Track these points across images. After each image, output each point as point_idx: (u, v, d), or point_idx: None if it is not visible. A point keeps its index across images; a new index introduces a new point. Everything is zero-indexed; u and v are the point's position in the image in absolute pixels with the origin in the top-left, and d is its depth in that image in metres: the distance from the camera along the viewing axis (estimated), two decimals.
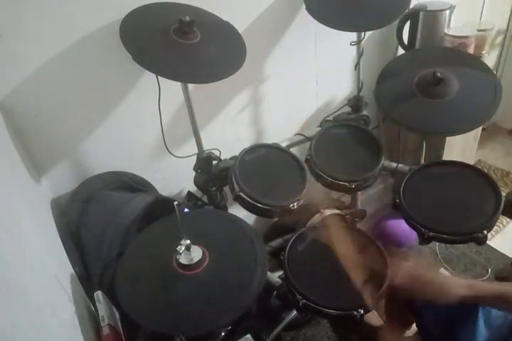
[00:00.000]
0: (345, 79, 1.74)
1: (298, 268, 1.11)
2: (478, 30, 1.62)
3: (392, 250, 0.94)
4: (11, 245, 0.62)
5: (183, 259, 0.92)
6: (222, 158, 1.36)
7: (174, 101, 1.32)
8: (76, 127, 1.21)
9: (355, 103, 1.58)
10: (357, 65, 1.50)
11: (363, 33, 1.43)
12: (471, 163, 2.13)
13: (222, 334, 1.08)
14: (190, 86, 1.17)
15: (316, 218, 1.61)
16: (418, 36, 1.63)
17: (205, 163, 1.31)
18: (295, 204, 1.22)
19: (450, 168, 1.35)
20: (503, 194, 1.25)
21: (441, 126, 1.31)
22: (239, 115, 1.53)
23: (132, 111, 1.28)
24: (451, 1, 1.59)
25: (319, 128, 1.52)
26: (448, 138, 1.79)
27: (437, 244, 1.96)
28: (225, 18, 1.22)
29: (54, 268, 0.89)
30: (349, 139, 1.43)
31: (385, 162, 1.41)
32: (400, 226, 1.87)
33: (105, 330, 0.89)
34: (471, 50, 1.58)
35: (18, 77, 1.06)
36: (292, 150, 1.42)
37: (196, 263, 0.92)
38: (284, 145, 1.43)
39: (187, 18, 1.05)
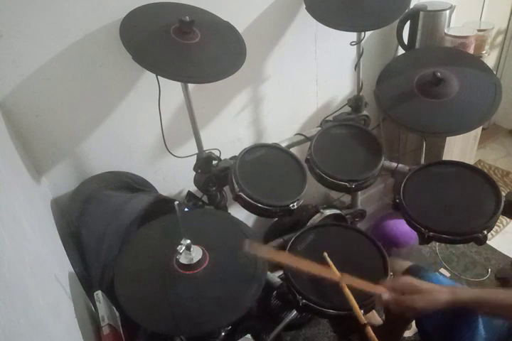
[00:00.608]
0: (345, 79, 1.74)
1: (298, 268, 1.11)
2: (478, 30, 1.62)
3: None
4: (10, 245, 0.62)
5: (183, 259, 0.92)
6: (222, 158, 1.36)
7: (174, 101, 1.32)
8: (76, 127, 1.21)
9: (355, 103, 1.58)
10: (357, 65, 1.50)
11: (363, 33, 1.43)
12: (471, 163, 2.14)
13: (222, 334, 1.08)
14: (190, 86, 1.17)
15: (316, 218, 1.61)
16: (418, 36, 1.63)
17: (205, 163, 1.31)
18: (295, 204, 1.22)
19: (450, 168, 1.35)
20: (503, 194, 1.25)
21: (441, 126, 1.31)
22: (239, 115, 1.53)
23: (132, 111, 1.28)
24: (451, 1, 1.59)
25: (319, 128, 1.52)
26: (448, 138, 1.79)
27: (437, 244, 1.96)
28: (225, 18, 1.22)
29: (54, 268, 0.89)
30: (349, 139, 1.43)
31: (385, 162, 1.41)
32: (400, 226, 1.87)
33: (105, 330, 0.89)
34: (471, 50, 1.58)
35: (18, 77, 1.06)
36: (292, 150, 1.42)
37: (196, 263, 0.92)
38: (284, 145, 1.43)
39: (187, 18, 1.05)
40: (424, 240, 1.23)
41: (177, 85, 1.14)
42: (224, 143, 1.47)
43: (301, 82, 1.62)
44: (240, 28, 1.25)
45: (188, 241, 0.91)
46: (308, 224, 1.56)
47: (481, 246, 1.25)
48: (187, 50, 1.08)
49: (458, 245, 1.95)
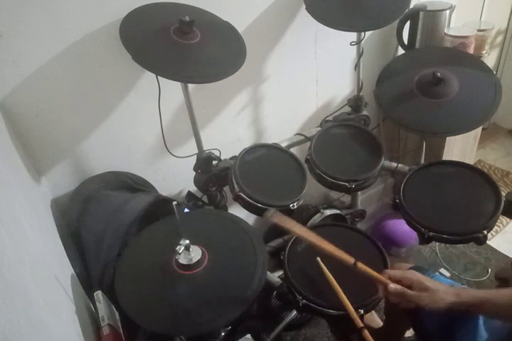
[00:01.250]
0: (345, 79, 1.74)
1: (298, 268, 1.11)
2: (478, 30, 1.62)
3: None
4: (10, 245, 0.62)
5: (183, 259, 0.92)
6: (222, 158, 1.36)
7: (174, 101, 1.32)
8: (76, 127, 1.21)
9: (355, 103, 1.58)
10: (357, 65, 1.50)
11: (363, 33, 1.43)
12: (471, 163, 2.14)
13: (222, 334, 1.08)
14: (190, 86, 1.17)
15: (316, 218, 1.61)
16: (418, 36, 1.63)
17: (205, 163, 1.31)
18: (295, 204, 1.22)
19: (450, 168, 1.35)
20: (503, 194, 1.25)
21: (441, 126, 1.31)
22: (239, 115, 1.53)
23: (132, 111, 1.28)
24: (451, 1, 1.59)
25: (319, 128, 1.52)
26: (448, 138, 1.79)
27: (437, 244, 1.96)
28: (225, 18, 1.22)
29: (54, 268, 0.89)
30: (349, 139, 1.43)
31: (385, 162, 1.41)
32: (400, 226, 1.87)
33: (105, 330, 0.89)
34: (471, 50, 1.58)
35: (18, 77, 1.06)
36: (292, 150, 1.42)
37: (195, 263, 0.92)
38: (284, 145, 1.43)
39: (187, 18, 1.05)
40: (424, 240, 1.23)
41: (177, 85, 1.14)
42: (224, 143, 1.47)
43: (301, 82, 1.62)
44: (240, 28, 1.25)
45: (187, 242, 0.91)
46: (309, 224, 1.56)
47: (481, 246, 1.25)
48: (187, 50, 1.08)
49: (458, 245, 1.95)
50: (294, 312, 1.42)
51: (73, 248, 1.11)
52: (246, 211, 1.23)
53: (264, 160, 1.30)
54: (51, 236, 1.03)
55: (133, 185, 1.29)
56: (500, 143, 2.60)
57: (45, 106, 1.13)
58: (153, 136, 1.35)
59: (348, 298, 0.97)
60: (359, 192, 1.75)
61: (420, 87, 1.34)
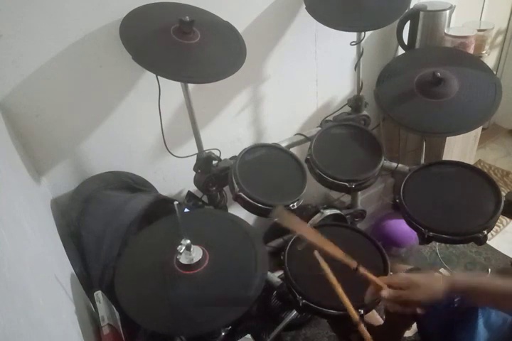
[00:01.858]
0: (345, 79, 1.74)
1: (298, 268, 1.11)
2: (478, 30, 1.62)
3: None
4: (10, 245, 0.62)
5: (184, 259, 0.92)
6: (222, 158, 1.36)
7: (174, 101, 1.32)
8: (76, 127, 1.21)
9: (355, 103, 1.58)
10: (357, 65, 1.50)
11: (363, 33, 1.43)
12: (471, 163, 2.14)
13: (222, 334, 1.08)
14: (190, 86, 1.17)
15: (316, 218, 1.61)
16: (418, 36, 1.63)
17: (205, 163, 1.31)
18: (295, 204, 1.22)
19: (450, 168, 1.35)
20: (503, 194, 1.25)
21: (441, 126, 1.31)
22: (239, 115, 1.53)
23: (132, 111, 1.28)
24: (451, 1, 1.59)
25: (319, 128, 1.52)
26: (448, 138, 1.79)
27: (437, 244, 1.96)
28: (225, 18, 1.22)
29: (54, 268, 0.89)
30: (349, 139, 1.43)
31: (385, 162, 1.41)
32: (400, 226, 1.87)
33: (105, 330, 0.89)
34: (471, 50, 1.58)
35: (18, 77, 1.06)
36: (292, 150, 1.42)
37: (196, 263, 0.92)
38: (284, 145, 1.43)
39: (187, 18, 1.05)
40: (424, 240, 1.23)
41: (177, 85, 1.14)
42: (224, 143, 1.47)
43: (301, 82, 1.62)
44: (240, 28, 1.25)
45: (188, 241, 0.91)
46: (309, 224, 1.56)
47: (481, 246, 1.25)
48: (187, 50, 1.08)
49: (458, 245, 1.95)
50: (294, 312, 1.42)
51: (73, 248, 1.11)
52: (246, 211, 1.23)
53: (264, 160, 1.30)
54: (51, 236, 1.03)
55: (133, 185, 1.29)
56: (500, 143, 2.60)
57: (45, 106, 1.13)
58: (153, 136, 1.34)
59: (348, 298, 0.97)
60: (359, 192, 1.75)
61: (420, 87, 1.34)
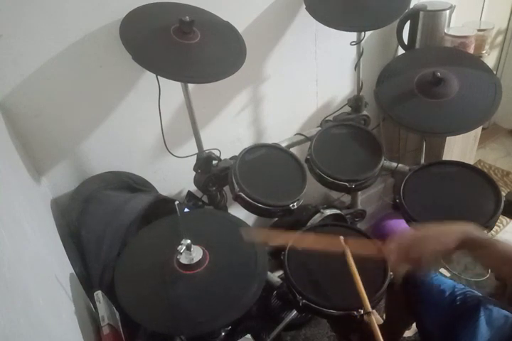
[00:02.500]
0: (345, 79, 1.74)
1: (298, 268, 1.11)
2: (478, 30, 1.62)
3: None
4: (10, 245, 0.62)
5: (184, 259, 0.92)
6: (222, 158, 1.36)
7: (174, 101, 1.32)
8: (76, 127, 1.21)
9: (355, 103, 1.58)
10: (357, 65, 1.50)
11: (363, 33, 1.43)
12: (471, 163, 2.14)
13: (222, 334, 1.08)
14: (190, 86, 1.17)
15: (316, 218, 1.61)
16: (418, 36, 1.63)
17: (205, 163, 1.31)
18: (295, 204, 1.22)
19: (450, 168, 1.35)
20: (503, 194, 1.25)
21: (441, 126, 1.31)
22: (239, 115, 1.53)
23: (132, 111, 1.28)
24: (451, 1, 1.59)
25: (319, 128, 1.52)
26: (448, 138, 1.79)
27: None
28: (225, 18, 1.22)
29: (54, 268, 0.89)
30: (349, 139, 1.43)
31: (385, 162, 1.41)
32: (400, 226, 1.87)
33: (105, 330, 0.89)
34: (471, 50, 1.58)
35: (18, 77, 1.06)
36: (292, 150, 1.42)
37: (196, 263, 0.92)
38: (284, 145, 1.43)
39: (187, 18, 1.05)
40: None
41: (177, 85, 1.14)
42: (224, 143, 1.47)
43: (301, 82, 1.62)
44: (240, 28, 1.25)
45: (189, 241, 0.91)
46: (309, 224, 1.56)
47: None
48: (187, 50, 1.08)
49: None
50: (294, 312, 1.42)
51: (73, 248, 1.11)
52: (246, 211, 1.23)
53: (264, 160, 1.30)
54: (51, 236, 1.03)
55: (133, 185, 1.29)
56: (500, 143, 2.60)
57: (45, 106, 1.13)
58: (153, 136, 1.34)
59: (348, 298, 0.97)
60: (359, 192, 1.75)
61: (420, 87, 1.34)
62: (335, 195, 1.92)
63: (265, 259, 0.99)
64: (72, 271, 1.04)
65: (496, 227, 1.97)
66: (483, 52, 1.69)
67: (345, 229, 1.27)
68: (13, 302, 0.54)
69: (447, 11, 1.57)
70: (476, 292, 1.07)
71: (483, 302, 1.00)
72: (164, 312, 0.89)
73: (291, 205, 1.21)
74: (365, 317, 0.90)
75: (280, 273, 1.39)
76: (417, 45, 1.65)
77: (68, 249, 1.08)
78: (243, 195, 1.18)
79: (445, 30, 1.59)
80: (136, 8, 1.10)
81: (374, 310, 1.51)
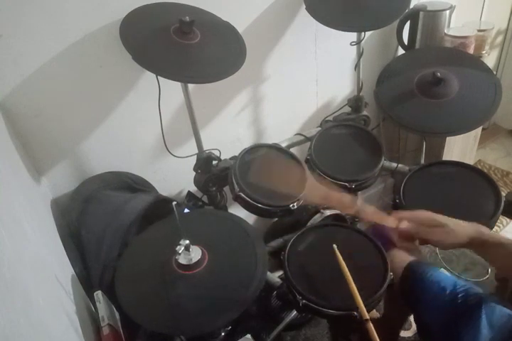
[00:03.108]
0: (345, 79, 1.74)
1: (298, 268, 1.11)
2: (478, 30, 1.62)
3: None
4: (10, 245, 0.62)
5: (182, 259, 0.92)
6: (222, 158, 1.36)
7: (174, 101, 1.32)
8: (76, 127, 1.21)
9: (355, 103, 1.58)
10: (357, 65, 1.50)
11: (363, 33, 1.43)
12: (471, 163, 2.14)
13: (222, 334, 1.08)
14: (190, 86, 1.17)
15: (316, 218, 1.61)
16: (418, 36, 1.63)
17: (205, 163, 1.31)
18: (295, 204, 1.22)
19: (450, 168, 1.35)
20: (503, 194, 1.25)
21: (441, 126, 1.31)
22: (239, 115, 1.53)
23: (132, 111, 1.28)
24: (451, 1, 1.59)
25: (319, 128, 1.52)
26: (448, 138, 1.79)
27: None
28: (225, 18, 1.22)
29: (54, 268, 0.89)
30: (349, 139, 1.43)
31: (385, 162, 1.41)
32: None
33: (105, 330, 0.89)
34: (471, 50, 1.58)
35: (18, 77, 1.06)
36: (292, 150, 1.42)
37: (195, 263, 0.92)
38: (284, 145, 1.43)
39: (187, 18, 1.05)
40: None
41: (177, 85, 1.14)
42: (224, 143, 1.47)
43: (301, 82, 1.62)
44: (240, 28, 1.25)
45: (187, 242, 0.91)
46: (309, 224, 1.56)
47: None
48: (187, 50, 1.08)
49: None
50: (294, 312, 1.42)
51: (73, 248, 1.11)
52: (246, 211, 1.23)
53: (264, 160, 1.30)
54: (51, 236, 1.03)
55: (133, 185, 1.29)
56: (500, 143, 2.60)
57: (45, 106, 1.13)
58: (153, 136, 1.34)
59: (348, 298, 0.97)
60: (359, 192, 1.75)
61: (420, 87, 1.34)
62: None
63: (265, 259, 0.99)
64: (72, 271, 1.04)
65: (496, 227, 1.97)
66: (483, 52, 1.69)
67: (345, 229, 1.27)
68: (13, 302, 0.54)
69: (447, 11, 1.57)
70: (478, 289, 1.06)
71: (486, 300, 0.99)
72: (164, 312, 0.89)
73: (291, 205, 1.21)
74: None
75: (280, 273, 1.39)
76: (417, 46, 1.65)
77: (68, 249, 1.08)
78: (243, 195, 1.18)
79: (445, 31, 1.59)
80: (136, 8, 1.10)
81: (374, 310, 1.52)
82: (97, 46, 1.13)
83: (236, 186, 1.19)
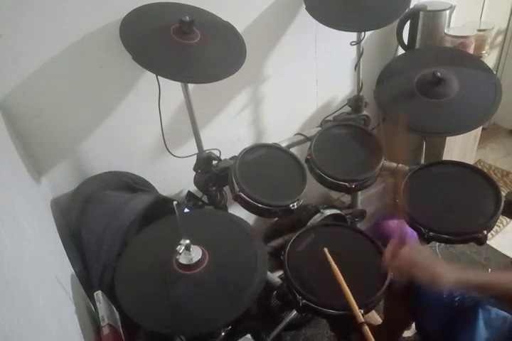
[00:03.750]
0: (345, 79, 1.74)
1: (298, 268, 1.11)
2: (478, 30, 1.62)
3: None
4: (10, 245, 0.62)
5: (183, 259, 0.92)
6: (222, 158, 1.36)
7: (174, 101, 1.32)
8: (76, 127, 1.21)
9: (355, 103, 1.58)
10: (357, 65, 1.50)
11: (363, 33, 1.43)
12: (471, 163, 2.14)
13: (222, 334, 1.08)
14: (190, 86, 1.17)
15: (316, 218, 1.61)
16: (418, 36, 1.63)
17: (205, 163, 1.31)
18: (295, 204, 1.22)
19: (450, 168, 1.35)
20: (503, 194, 1.25)
21: (441, 126, 1.31)
22: (239, 115, 1.53)
23: (132, 111, 1.28)
24: (451, 1, 1.59)
25: (319, 128, 1.52)
26: (448, 138, 1.79)
27: (437, 244, 1.96)
28: (225, 18, 1.22)
29: (54, 268, 0.89)
30: (349, 139, 1.43)
31: (385, 162, 1.41)
32: (400, 226, 1.86)
33: (105, 330, 0.89)
34: (471, 50, 1.58)
35: (18, 77, 1.06)
36: (292, 150, 1.42)
37: (196, 263, 0.92)
38: (284, 145, 1.43)
39: (187, 18, 1.05)
40: (424, 240, 1.23)
41: (177, 85, 1.14)
42: (224, 143, 1.47)
43: (301, 82, 1.62)
44: (240, 28, 1.25)
45: (188, 242, 0.91)
46: (309, 224, 1.56)
47: (481, 246, 1.24)
48: (187, 50, 1.08)
49: (458, 245, 1.95)
50: (294, 312, 1.42)
51: (73, 248, 1.11)
52: (246, 211, 1.23)
53: (264, 160, 1.30)
54: (51, 236, 1.03)
55: (133, 185, 1.29)
56: (500, 143, 2.60)
57: (45, 106, 1.13)
58: (153, 136, 1.34)
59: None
60: (359, 192, 1.75)
61: (420, 87, 1.34)
62: (335, 195, 1.92)
63: (265, 259, 0.99)
64: (72, 271, 1.04)
65: (496, 227, 1.97)
66: (483, 52, 1.69)
67: (345, 229, 1.27)
68: (13, 302, 0.54)
69: (447, 11, 1.57)
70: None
71: (482, 303, 1.00)
72: (164, 312, 0.89)
73: (291, 205, 1.21)
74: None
75: (280, 273, 1.39)
76: (417, 45, 1.65)
77: (68, 249, 1.08)
78: (243, 195, 1.18)
79: (445, 30, 1.59)
80: (136, 8, 1.11)
81: (373, 311, 1.52)
82: (97, 46, 1.13)
83: (236, 186, 1.19)
